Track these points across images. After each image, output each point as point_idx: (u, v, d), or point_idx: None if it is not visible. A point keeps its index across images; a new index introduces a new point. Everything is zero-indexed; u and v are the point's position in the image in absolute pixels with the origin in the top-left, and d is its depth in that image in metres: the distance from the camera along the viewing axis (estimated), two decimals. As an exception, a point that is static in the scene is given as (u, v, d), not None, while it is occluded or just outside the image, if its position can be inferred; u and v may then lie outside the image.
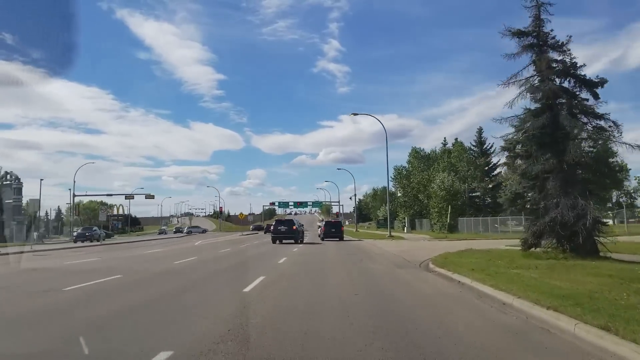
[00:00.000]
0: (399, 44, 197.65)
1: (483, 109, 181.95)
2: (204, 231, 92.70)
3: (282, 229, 36.66)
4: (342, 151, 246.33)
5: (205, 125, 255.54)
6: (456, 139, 61.60)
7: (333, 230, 42.49)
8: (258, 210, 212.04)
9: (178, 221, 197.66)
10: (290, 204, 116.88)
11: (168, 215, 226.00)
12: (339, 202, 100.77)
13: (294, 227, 36.56)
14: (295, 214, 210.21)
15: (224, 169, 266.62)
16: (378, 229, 78.47)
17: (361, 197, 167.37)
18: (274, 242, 35.51)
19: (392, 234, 46.53)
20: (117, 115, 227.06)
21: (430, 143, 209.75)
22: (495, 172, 61.44)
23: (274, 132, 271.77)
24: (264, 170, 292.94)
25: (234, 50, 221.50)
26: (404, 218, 69.79)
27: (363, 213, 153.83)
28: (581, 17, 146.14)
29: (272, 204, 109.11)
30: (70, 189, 57.43)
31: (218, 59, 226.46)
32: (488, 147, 61.94)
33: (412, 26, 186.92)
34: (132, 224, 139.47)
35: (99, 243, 46.11)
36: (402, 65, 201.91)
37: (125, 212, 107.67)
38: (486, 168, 60.09)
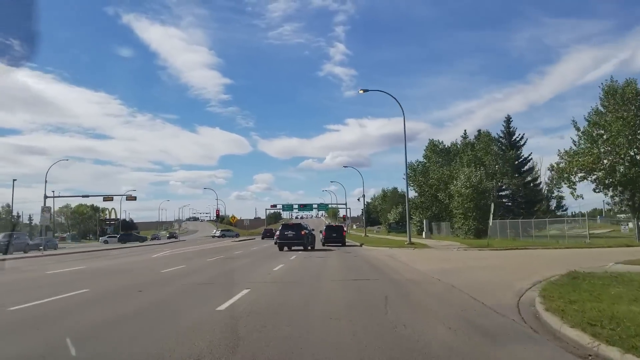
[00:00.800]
0: (404, 47, 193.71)
1: (490, 111, 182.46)
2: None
3: (290, 234, 32.19)
4: (349, 155, 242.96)
5: (212, 129, 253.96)
6: (479, 131, 52.79)
7: (334, 235, 38.84)
8: (264, 214, 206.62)
9: (180, 226, 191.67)
10: (294, 206, 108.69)
11: (172, 219, 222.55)
12: (345, 204, 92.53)
13: (303, 232, 31.90)
14: (302, 217, 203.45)
15: (232, 174, 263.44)
16: (389, 233, 69.97)
17: (369, 200, 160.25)
18: (280, 249, 31.68)
19: (404, 237, 38.28)
20: (125, 121, 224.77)
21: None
22: (526, 167, 52.89)
23: (281, 136, 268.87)
24: (271, 175, 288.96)
25: (240, 54, 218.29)
26: (420, 221, 61.15)
27: (371, 216, 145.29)
28: (589, 18, 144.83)
29: (274, 206, 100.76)
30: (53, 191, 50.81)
31: (224, 63, 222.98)
32: (517, 139, 53.32)
33: (418, 28, 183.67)
34: (128, 228, 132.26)
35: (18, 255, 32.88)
36: (408, 68, 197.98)
37: (127, 216, 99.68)
38: (515, 162, 51.49)
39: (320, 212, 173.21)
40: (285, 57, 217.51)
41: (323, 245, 36.41)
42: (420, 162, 57.39)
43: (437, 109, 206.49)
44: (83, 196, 63.48)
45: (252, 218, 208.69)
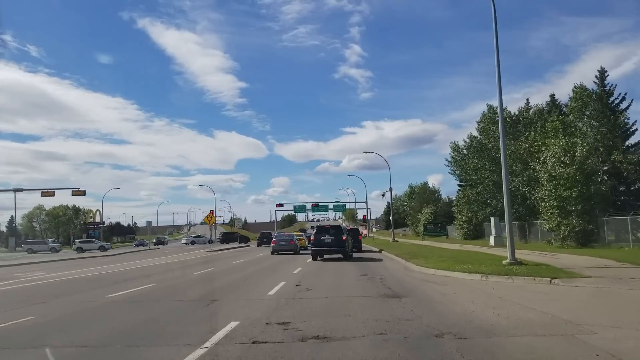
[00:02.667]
0: (421, 48, 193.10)
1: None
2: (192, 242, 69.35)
3: (328, 239, 23.75)
4: (366, 157, 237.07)
5: (228, 134, 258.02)
6: (575, 85, 34.58)
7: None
8: (279, 217, 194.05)
9: (189, 229, 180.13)
10: (307, 207, 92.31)
11: (185, 223, 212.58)
12: (366, 202, 75.93)
13: (344, 237, 23.59)
14: (318, 220, 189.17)
15: (249, 178, 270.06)
16: (425, 238, 52.97)
17: (389, 201, 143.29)
18: (315, 257, 23.88)
19: (468, 246, 21.82)
20: (142, 125, 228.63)
21: None
22: (633, 139, 35.52)
23: (297, 140, 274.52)
24: (288, 178, 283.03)
25: (255, 57, 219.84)
26: (469, 221, 44.20)
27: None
28: (608, 16, 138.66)
29: (280, 205, 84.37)
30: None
31: (239, 67, 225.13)
32: (617, 101, 35.87)
33: (435, 29, 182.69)
34: (123, 233, 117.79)
35: None
36: (425, 69, 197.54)
37: (130, 219, 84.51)
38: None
39: (337, 214, 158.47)
40: (301, 59, 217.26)
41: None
42: (472, 138, 40.35)
43: (454, 110, 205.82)
44: (14, 190, 48.27)
45: (268, 221, 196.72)
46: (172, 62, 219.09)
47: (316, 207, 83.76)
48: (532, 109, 38.63)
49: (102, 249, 53.16)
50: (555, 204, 27.15)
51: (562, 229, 26.75)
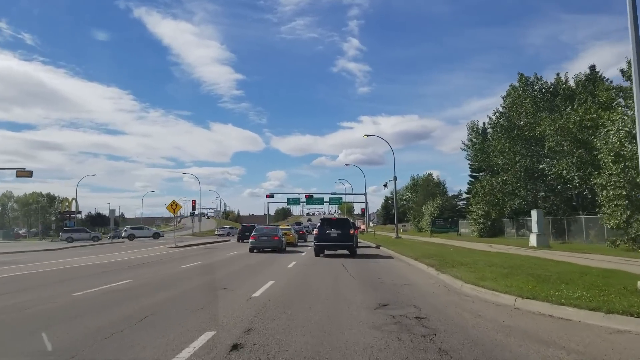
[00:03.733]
0: (419, 43, 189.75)
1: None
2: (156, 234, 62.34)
3: (334, 233, 21.35)
4: (363, 152, 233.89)
5: (224, 126, 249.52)
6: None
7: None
8: (272, 210, 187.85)
9: (179, 221, 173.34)
10: (301, 199, 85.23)
11: (177, 215, 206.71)
12: (364, 193, 68.67)
13: (351, 232, 21.65)
14: (313, 214, 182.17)
15: (245, 171, 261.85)
16: (433, 234, 45.95)
17: (388, 194, 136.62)
18: (318, 253, 21.29)
19: (498, 246, 14.81)
20: (138, 116, 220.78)
21: (453, 144, 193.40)
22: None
23: (294, 133, 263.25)
24: (284, 172, 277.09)
25: (252, 49, 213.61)
26: (487, 216, 37.31)
27: (391, 213, 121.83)
28: (607, 14, 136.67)
29: (270, 196, 77.24)
30: None
31: (237, 58, 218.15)
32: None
33: (433, 25, 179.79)
34: (105, 223, 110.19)
35: None
36: (423, 64, 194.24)
37: (119, 211, 77.18)
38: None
39: (333, 208, 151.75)
40: (298, 52, 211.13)
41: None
42: (500, 114, 32.96)
43: (451, 106, 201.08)
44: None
45: (262, 215, 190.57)
46: (168, 53, 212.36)
47: (310, 198, 76.65)
48: (571, 80, 31.38)
49: (96, 239, 50.78)
50: (623, 192, 20.15)
51: (634, 226, 19.76)
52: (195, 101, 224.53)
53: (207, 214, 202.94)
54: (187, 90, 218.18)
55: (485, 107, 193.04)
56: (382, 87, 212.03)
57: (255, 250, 24.68)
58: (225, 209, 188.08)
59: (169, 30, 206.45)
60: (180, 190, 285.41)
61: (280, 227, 33.94)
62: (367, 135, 42.89)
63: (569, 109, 27.10)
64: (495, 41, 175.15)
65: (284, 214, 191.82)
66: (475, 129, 37.10)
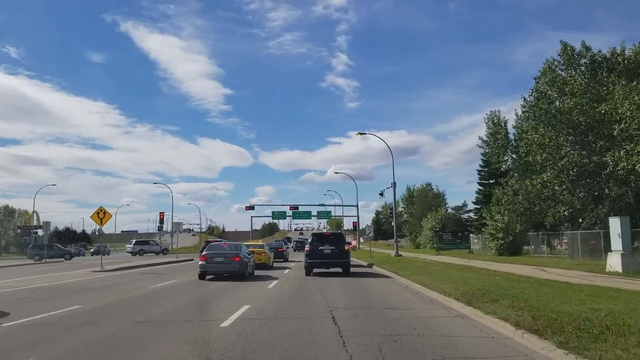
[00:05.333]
0: (407, 59, 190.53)
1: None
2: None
3: (327, 249, 19.38)
4: (351, 168, 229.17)
5: (212, 141, 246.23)
6: None
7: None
8: (259, 225, 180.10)
9: (161, 237, 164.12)
10: (287, 213, 77.15)
11: (165, 230, 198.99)
12: (356, 205, 60.93)
13: (346, 248, 19.86)
14: (302, 230, 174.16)
15: (233, 186, 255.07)
16: (439, 252, 38.06)
17: (380, 208, 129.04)
18: (309, 272, 19.29)
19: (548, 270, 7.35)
20: (125, 131, 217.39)
21: (442, 160, 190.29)
22: None
23: (282, 149, 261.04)
24: (273, 187, 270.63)
25: (241, 64, 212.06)
26: (501, 229, 29.75)
27: (382, 228, 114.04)
28: (593, 32, 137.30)
29: (250, 208, 68.66)
30: None
31: (225, 73, 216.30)
32: None
33: (420, 41, 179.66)
34: (75, 239, 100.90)
35: None
36: (411, 80, 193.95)
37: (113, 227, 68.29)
38: None
39: (322, 223, 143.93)
40: (287, 67, 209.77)
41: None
42: (540, 94, 24.78)
43: (440, 122, 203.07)
44: None
45: (252, 230, 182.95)
46: (155, 67, 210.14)
47: (295, 210, 68.59)
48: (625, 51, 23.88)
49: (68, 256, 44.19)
50: None
51: None
52: (183, 116, 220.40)
53: (192, 230, 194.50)
54: (175, 105, 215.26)
55: (474, 122, 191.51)
56: (370, 102, 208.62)
57: (205, 277, 16.78)
58: (210, 224, 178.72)
59: (156, 44, 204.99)
60: (168, 206, 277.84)
61: (251, 243, 26.01)
62: (361, 134, 35.22)
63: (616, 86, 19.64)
64: (482, 58, 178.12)
65: (270, 229, 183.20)
66: (496, 121, 29.55)
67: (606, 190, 24.13)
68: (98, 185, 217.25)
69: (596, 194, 22.84)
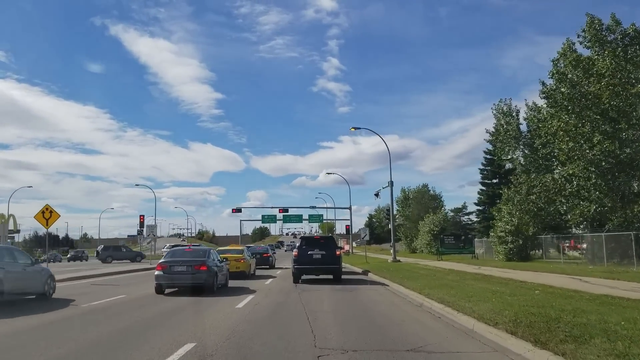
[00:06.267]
0: (398, 64, 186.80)
1: (486, 129, 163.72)
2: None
3: (317, 255, 17.61)
4: (343, 172, 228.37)
5: (204, 145, 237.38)
6: None
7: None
8: (250, 229, 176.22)
9: (149, 242, 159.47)
10: (277, 217, 73.64)
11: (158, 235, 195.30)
12: (349, 207, 57.55)
13: (338, 253, 18.19)
14: (294, 234, 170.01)
15: (225, 191, 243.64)
16: (440, 257, 34.75)
17: (373, 212, 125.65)
18: (296, 280, 17.20)
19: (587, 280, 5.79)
20: (115, 135, 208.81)
21: (433, 164, 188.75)
22: None
23: (274, 153, 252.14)
24: (264, 192, 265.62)
25: (232, 68, 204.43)
26: (530, 229, 26.43)
27: (375, 232, 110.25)
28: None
29: (237, 211, 64.96)
30: None
31: (216, 77, 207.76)
32: None
33: (411, 46, 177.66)
34: (58, 245, 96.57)
35: None
36: (402, 85, 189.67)
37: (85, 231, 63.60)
38: None
39: (314, 227, 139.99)
40: (278, 71, 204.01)
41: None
42: (561, 77, 21.34)
43: (431, 127, 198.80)
44: None
45: (242, 234, 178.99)
46: (145, 71, 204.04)
47: (286, 213, 65.14)
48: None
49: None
50: None
51: None
52: (174, 120, 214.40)
53: (182, 235, 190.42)
54: (166, 109, 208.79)
55: (465, 127, 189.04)
56: (362, 107, 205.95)
57: (162, 291, 13.22)
58: (200, 229, 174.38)
59: (146, 48, 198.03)
60: (160, 211, 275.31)
61: (228, 248, 22.41)
62: (356, 128, 31.82)
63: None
64: (472, 63, 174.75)
65: (261, 233, 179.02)
66: (506, 111, 26.25)
67: (635, 187, 20.93)
68: (89, 190, 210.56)
69: (628, 190, 19.58)
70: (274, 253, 32.68)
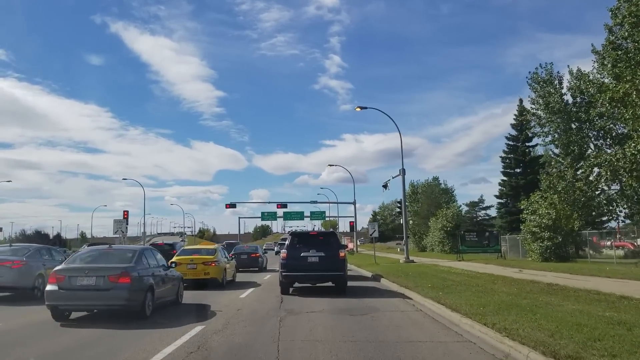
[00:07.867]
0: (400, 62, 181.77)
1: (489, 127, 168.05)
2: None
3: (313, 257, 12.87)
4: (345, 170, 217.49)
5: (206, 144, 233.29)
6: None
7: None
8: (251, 228, 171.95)
9: (147, 241, 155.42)
10: (278, 214, 68.82)
11: (156, 233, 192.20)
12: (354, 202, 52.51)
13: (341, 254, 13.14)
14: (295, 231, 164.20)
15: (227, 189, 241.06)
16: (461, 257, 29.64)
17: (377, 209, 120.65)
18: (284, 291, 12.77)
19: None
20: (117, 134, 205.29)
21: (436, 162, 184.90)
22: None
23: (276, 151, 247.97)
24: (267, 191, 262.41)
25: (233, 66, 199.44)
26: (571, 223, 21.38)
27: (380, 230, 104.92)
28: (585, 34, 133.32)
29: (231, 206, 60.10)
30: None
31: (217, 75, 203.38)
32: None
33: (413, 44, 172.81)
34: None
35: None
36: (404, 83, 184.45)
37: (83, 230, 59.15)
38: None
39: (315, 222, 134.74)
40: (280, 69, 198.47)
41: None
42: (613, 38, 16.25)
43: (433, 125, 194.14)
44: None
45: (243, 233, 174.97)
46: (147, 70, 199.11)
47: (286, 210, 60.41)
48: None
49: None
50: None
51: None
52: (176, 119, 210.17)
53: (183, 234, 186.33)
54: (167, 107, 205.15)
55: (467, 124, 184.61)
56: (364, 104, 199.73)
57: (59, 319, 8.21)
58: (201, 227, 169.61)
59: (147, 46, 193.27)
60: (162, 210, 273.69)
61: (197, 247, 17.46)
62: (362, 108, 26.70)
63: None
64: (475, 60, 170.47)
65: (263, 231, 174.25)
66: (547, 78, 21.15)
67: None
68: (91, 189, 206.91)
69: None
70: (265, 254, 27.62)
